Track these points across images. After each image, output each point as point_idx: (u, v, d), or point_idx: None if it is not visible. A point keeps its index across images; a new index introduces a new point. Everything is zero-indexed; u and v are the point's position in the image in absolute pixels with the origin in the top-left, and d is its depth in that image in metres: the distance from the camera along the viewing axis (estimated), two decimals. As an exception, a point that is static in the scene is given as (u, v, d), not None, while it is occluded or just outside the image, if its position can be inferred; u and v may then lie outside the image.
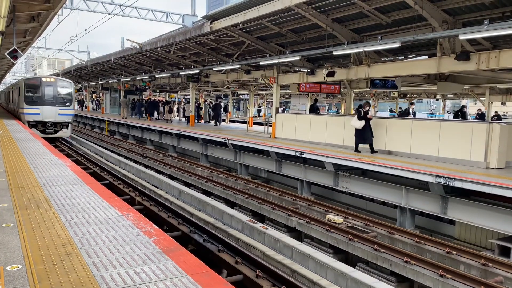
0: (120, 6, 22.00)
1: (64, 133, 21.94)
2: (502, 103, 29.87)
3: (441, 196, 9.66)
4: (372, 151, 13.11)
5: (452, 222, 10.21)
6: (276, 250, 8.20)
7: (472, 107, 47.61)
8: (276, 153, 14.99)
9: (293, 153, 14.00)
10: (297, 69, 18.01)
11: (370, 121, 13.14)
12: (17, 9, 11.55)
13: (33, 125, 20.85)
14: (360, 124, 12.95)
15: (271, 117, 20.12)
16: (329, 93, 23.58)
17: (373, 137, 13.08)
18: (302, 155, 13.64)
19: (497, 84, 19.77)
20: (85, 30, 25.39)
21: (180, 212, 9.92)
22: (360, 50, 13.06)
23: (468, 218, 9.19)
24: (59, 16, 22.72)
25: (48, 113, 21.10)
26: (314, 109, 20.48)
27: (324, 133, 15.89)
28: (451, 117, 34.75)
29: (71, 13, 22.59)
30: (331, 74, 15.45)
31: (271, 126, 19.45)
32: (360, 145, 13.50)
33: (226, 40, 18.79)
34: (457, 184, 9.01)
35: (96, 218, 4.62)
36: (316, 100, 22.60)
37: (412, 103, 31.91)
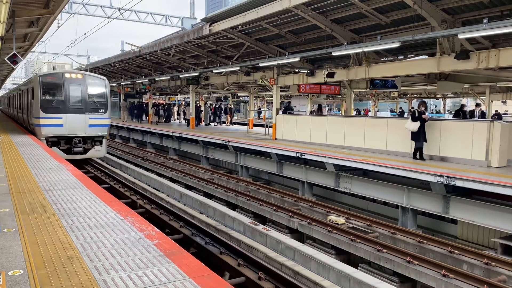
0: (119, 9, 22.04)
1: (97, 152, 15.75)
2: (502, 102, 29.87)
3: (443, 196, 9.64)
4: (417, 156, 11.69)
5: (454, 221, 10.19)
6: (278, 251, 8.18)
7: (472, 106, 47.58)
8: (277, 154, 14.98)
9: (294, 154, 13.99)
10: (297, 70, 18.02)
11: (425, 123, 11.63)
12: (16, 14, 11.57)
13: (54, 142, 14.83)
14: (415, 126, 11.51)
15: (272, 118, 20.11)
16: (329, 94, 23.59)
17: (425, 141, 11.67)
18: (303, 156, 13.62)
19: (497, 83, 19.75)
20: (85, 34, 25.39)
21: (181, 215, 9.91)
22: (360, 50, 13.06)
23: (470, 217, 9.17)
24: (59, 20, 22.72)
25: (75, 124, 15.04)
26: (287, 109, 20.75)
27: (325, 134, 15.88)
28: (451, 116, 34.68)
29: (70, 18, 22.65)
30: (330, 75, 15.45)
31: (271, 127, 19.45)
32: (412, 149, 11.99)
33: (225, 42, 18.81)
34: (459, 184, 8.99)
35: (98, 222, 4.61)
36: (289, 103, 22.78)
37: (478, 104, 26.00)
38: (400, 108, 40.32)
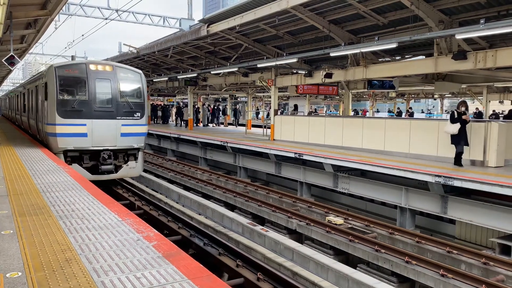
0: (117, 11, 22.02)
1: (131, 169, 12.26)
2: (499, 102, 29.95)
3: (441, 196, 9.65)
4: (457, 162, 10.63)
5: (452, 221, 10.21)
6: (276, 252, 8.18)
7: (469, 106, 47.69)
8: (275, 155, 14.99)
9: (292, 155, 13.99)
10: (295, 71, 18.04)
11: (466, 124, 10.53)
12: (13, 15, 11.53)
13: (74, 157, 11.42)
14: (455, 128, 10.45)
15: (269, 119, 20.13)
16: (327, 95, 23.63)
17: (467, 145, 10.57)
18: (301, 157, 13.63)
19: (494, 83, 19.81)
20: (82, 35, 25.38)
21: (180, 216, 9.90)
22: (357, 51, 13.08)
23: (468, 217, 9.18)
24: (56, 22, 22.70)
25: (103, 134, 11.46)
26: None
27: (323, 135, 15.89)
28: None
29: (68, 19, 22.60)
30: (328, 75, 15.48)
31: (269, 128, 19.45)
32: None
33: (223, 43, 18.81)
34: (457, 184, 9.01)
35: (96, 224, 4.61)
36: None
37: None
38: (398, 108, 40.39)
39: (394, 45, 11.26)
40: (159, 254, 3.75)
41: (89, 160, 11.50)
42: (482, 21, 9.00)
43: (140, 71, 12.56)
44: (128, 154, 12.12)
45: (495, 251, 8.45)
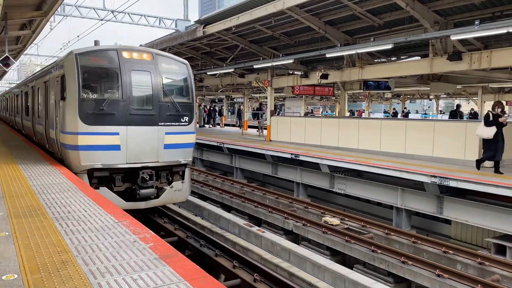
0: (112, 12, 21.95)
1: (177, 193, 9.42)
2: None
3: (437, 196, 9.69)
4: (497, 169, 9.75)
5: (448, 221, 10.25)
6: (273, 253, 8.19)
7: (465, 107, 47.92)
8: (272, 156, 15.00)
9: (289, 156, 14.01)
10: (291, 72, 18.07)
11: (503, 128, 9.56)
12: (8, 16, 11.49)
13: (103, 178, 8.61)
14: (490, 132, 9.43)
15: (266, 120, 20.14)
16: (323, 95, 23.67)
17: (502, 152, 9.67)
18: (297, 158, 13.65)
19: (489, 84, 19.92)
20: (78, 36, 25.28)
21: (176, 218, 9.89)
22: (353, 52, 13.12)
23: (463, 217, 9.23)
24: (51, 23, 22.63)
25: (142, 145, 8.72)
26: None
27: (319, 135, 15.92)
28: (445, 116, 34.92)
29: (63, 20, 22.52)
30: (324, 76, 15.52)
31: (265, 129, 19.47)
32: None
33: (219, 44, 18.81)
34: (452, 184, 9.06)
35: (92, 225, 4.59)
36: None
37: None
38: (394, 109, 40.51)
39: (389, 46, 11.31)
40: (156, 255, 3.74)
41: (122, 181, 8.62)
42: (476, 22, 9.07)
43: (186, 62, 9.79)
44: (173, 172, 9.32)
45: (491, 251, 8.49)
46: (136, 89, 8.63)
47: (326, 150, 14.49)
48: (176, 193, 9.32)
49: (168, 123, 9.00)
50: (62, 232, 4.36)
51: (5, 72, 31.43)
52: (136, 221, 4.86)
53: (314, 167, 13.30)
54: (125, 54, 8.70)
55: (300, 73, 17.26)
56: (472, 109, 28.92)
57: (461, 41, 11.37)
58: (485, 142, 9.73)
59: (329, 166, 12.44)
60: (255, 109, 34.33)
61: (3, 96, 30.50)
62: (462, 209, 9.26)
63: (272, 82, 18.80)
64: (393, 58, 16.93)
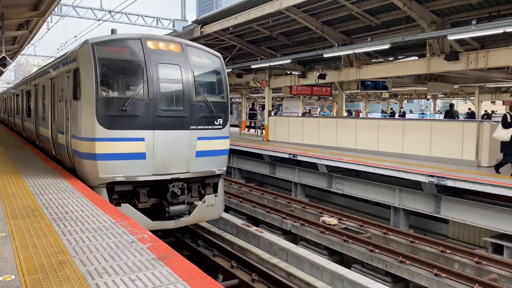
0: (110, 12, 21.91)
1: (210, 208, 8.20)
2: (491, 102, 30.19)
3: (434, 196, 9.71)
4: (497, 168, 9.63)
5: (445, 221, 10.27)
6: (271, 253, 8.19)
7: (462, 106, 48.09)
8: (270, 156, 15.00)
9: (287, 156, 14.01)
10: (289, 72, 18.08)
11: None
12: (5, 16, 11.47)
13: (125, 193, 7.37)
14: (507, 134, 9.19)
15: (263, 120, 20.14)
16: (320, 95, 23.70)
17: None
18: (295, 158, 13.66)
19: (486, 83, 19.99)
20: (75, 36, 25.22)
21: (174, 218, 9.86)
22: (351, 52, 13.14)
23: (461, 216, 9.25)
24: (48, 23, 22.56)
25: (171, 152, 7.51)
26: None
27: (317, 135, 15.93)
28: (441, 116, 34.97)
29: (60, 20, 22.47)
30: (322, 76, 15.54)
31: (263, 129, 19.47)
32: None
33: (217, 44, 18.80)
34: (450, 183, 9.08)
35: (90, 226, 4.58)
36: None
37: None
38: (391, 109, 40.61)
39: (387, 46, 11.33)
40: (154, 256, 3.74)
41: (148, 196, 7.41)
42: (473, 22, 9.10)
43: (219, 54, 8.54)
44: (204, 184, 8.14)
45: (488, 250, 8.51)
46: (164, 85, 7.41)
47: (324, 150, 14.50)
48: (208, 209, 8.06)
49: (201, 127, 7.78)
50: (59, 232, 4.35)
51: (1, 73, 31.32)
52: (134, 222, 4.85)
53: (312, 167, 13.31)
54: (150, 44, 7.41)
55: (297, 73, 17.28)
56: (469, 108, 28.97)
57: (458, 41, 11.40)
58: (505, 145, 9.37)
59: (327, 166, 12.45)
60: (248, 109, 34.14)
61: (1, 96, 27.97)
62: (460, 209, 9.29)
63: (269, 82, 18.81)
64: (391, 58, 16.96)
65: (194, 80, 7.72)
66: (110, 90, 7.08)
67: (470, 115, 25.27)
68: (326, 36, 14.45)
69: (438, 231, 10.60)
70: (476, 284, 6.61)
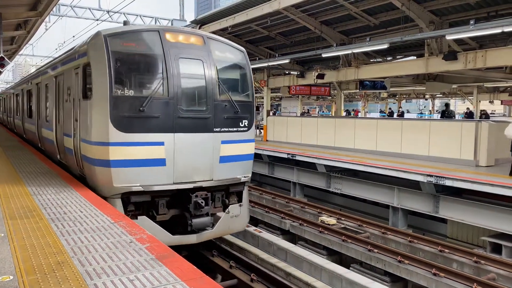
0: (108, 12, 21.90)
1: (234, 220, 7.44)
2: (489, 102, 30.26)
3: (433, 195, 9.73)
4: None
5: (444, 220, 10.29)
6: (270, 253, 8.18)
7: (460, 106, 48.17)
8: (268, 156, 15.00)
9: (285, 156, 14.01)
10: (287, 72, 18.09)
11: None
12: (3, 16, 11.44)
13: (141, 204, 6.58)
14: None
15: (262, 120, 20.14)
16: (319, 95, 23.70)
17: None
18: (294, 157, 13.66)
19: (484, 83, 20.02)
20: (73, 36, 25.20)
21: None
22: (349, 52, 13.15)
23: (459, 216, 9.26)
24: (46, 23, 22.52)
25: (193, 157, 6.78)
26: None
27: (316, 135, 15.93)
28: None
29: (58, 20, 22.44)
30: (320, 76, 15.54)
31: (262, 129, 19.48)
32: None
33: (215, 44, 18.79)
34: (448, 183, 9.09)
35: (88, 226, 4.57)
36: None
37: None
38: (390, 108, 40.66)
39: (385, 46, 11.34)
40: (152, 256, 3.74)
41: (167, 207, 6.69)
42: (472, 22, 9.12)
43: (243, 49, 7.83)
44: (229, 192, 7.41)
45: (486, 250, 8.53)
46: (185, 83, 6.70)
47: (323, 150, 14.51)
48: (233, 220, 7.32)
49: (225, 129, 7.08)
50: (58, 233, 4.34)
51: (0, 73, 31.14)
52: (133, 222, 4.85)
53: (310, 167, 13.31)
54: (169, 37, 6.70)
55: (296, 73, 17.28)
56: (468, 108, 29.02)
57: (457, 40, 11.42)
58: None
59: (326, 166, 12.46)
60: None
61: (0, 96, 26.77)
62: (458, 208, 9.30)
63: (268, 82, 18.81)
64: (389, 58, 16.98)
65: (218, 77, 7.01)
66: (125, 88, 6.34)
67: (469, 115, 25.30)
68: (325, 36, 14.46)
69: (437, 231, 10.61)
70: (475, 284, 6.62)
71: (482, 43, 13.15)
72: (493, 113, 35.07)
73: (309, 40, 16.17)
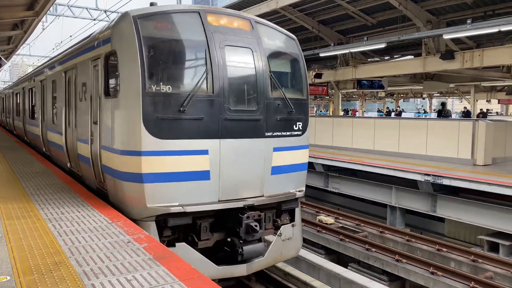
0: (105, 11, 21.86)
1: (287, 244, 6.12)
2: (487, 101, 30.33)
3: (430, 194, 9.74)
4: None
5: (441, 219, 10.31)
6: (268, 252, 8.16)
7: (458, 105, 48.30)
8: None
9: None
10: (285, 72, 18.06)
11: None
12: (0, 16, 11.40)
13: (179, 228, 5.35)
14: None
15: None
16: (317, 95, 23.71)
17: None
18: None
19: (481, 82, 20.07)
20: (70, 36, 25.15)
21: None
22: (347, 51, 13.16)
23: (457, 215, 9.28)
24: (43, 22, 22.49)
25: (242, 168, 5.58)
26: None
27: (313, 135, 15.93)
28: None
29: (55, 20, 22.39)
30: (318, 75, 15.56)
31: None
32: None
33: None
34: (446, 182, 9.11)
35: (86, 226, 4.56)
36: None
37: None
38: (387, 108, 40.74)
39: (383, 45, 11.36)
40: (150, 256, 3.73)
41: (210, 231, 5.52)
42: (469, 21, 9.14)
43: (295, 37, 6.59)
44: (282, 210, 6.18)
45: (484, 249, 8.55)
46: (233, 77, 5.56)
47: (321, 150, 14.51)
48: (285, 244, 6.07)
49: (277, 133, 5.92)
50: (55, 233, 4.33)
51: (-4, 73, 31.04)
52: (130, 222, 4.84)
53: (308, 166, 13.27)
54: (211, 19, 5.53)
55: (294, 72, 17.26)
56: (465, 107, 29.13)
57: (454, 40, 11.45)
58: None
59: (324, 165, 12.46)
60: None
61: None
62: (455, 207, 9.32)
63: (266, 81, 18.79)
64: (386, 57, 17.01)
65: (270, 70, 5.85)
66: (161, 83, 5.10)
67: (466, 114, 25.38)
68: (322, 36, 14.46)
69: (434, 230, 10.63)
70: (472, 282, 6.64)
71: (479, 42, 13.19)
72: (490, 112, 35.15)
73: (306, 40, 16.17)
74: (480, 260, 7.55)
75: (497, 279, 7.10)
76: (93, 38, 6.35)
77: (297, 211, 6.39)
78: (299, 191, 6.27)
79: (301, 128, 6.23)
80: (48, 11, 14.45)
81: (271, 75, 5.82)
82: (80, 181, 7.00)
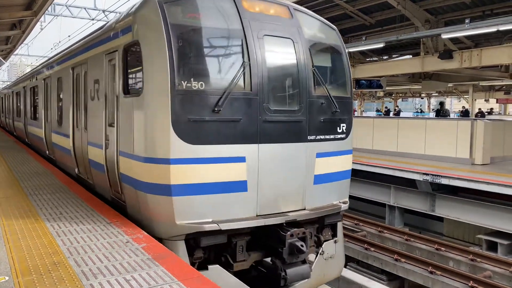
0: (103, 11, 21.83)
1: (329, 263, 5.44)
2: (485, 100, 30.37)
3: (429, 194, 9.75)
4: None
5: (440, 219, 10.32)
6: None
7: (456, 105, 48.36)
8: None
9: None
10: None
11: None
12: (-2, 16, 11.38)
13: (212, 248, 4.63)
14: None
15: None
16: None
17: None
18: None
19: (480, 82, 20.10)
20: (69, 36, 25.12)
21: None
22: (345, 51, 13.15)
23: (455, 214, 9.29)
24: (42, 22, 22.44)
25: (282, 177, 4.83)
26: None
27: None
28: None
29: (53, 20, 22.35)
30: (317, 75, 15.55)
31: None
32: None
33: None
34: (444, 182, 9.11)
35: (84, 226, 4.55)
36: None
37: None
38: (386, 107, 40.79)
39: (381, 45, 11.37)
40: (149, 256, 3.73)
41: (247, 251, 4.84)
42: (467, 20, 9.15)
43: (335, 27, 5.92)
44: (323, 225, 5.53)
45: (482, 248, 8.56)
46: (273, 71, 4.87)
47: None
48: (328, 263, 5.44)
49: (321, 136, 5.22)
50: (54, 233, 4.32)
51: (-5, 73, 30.95)
52: (129, 221, 4.83)
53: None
54: (247, 5, 4.83)
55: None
56: (463, 107, 29.16)
57: (452, 39, 11.47)
58: None
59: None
60: None
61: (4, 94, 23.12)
62: (454, 207, 9.33)
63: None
64: (385, 57, 17.02)
65: (313, 63, 5.14)
66: (191, 79, 4.38)
67: (464, 113, 25.41)
68: (321, 35, 14.47)
69: (433, 229, 10.65)
70: (471, 281, 6.65)
71: (478, 42, 13.21)
72: (494, 112, 35.19)
73: (305, 39, 16.19)
74: (478, 259, 7.57)
75: (496, 278, 7.11)
76: (108, 28, 5.60)
77: (339, 225, 5.76)
78: (343, 202, 5.64)
79: (345, 131, 5.54)
80: (46, 11, 14.42)
81: (314, 69, 5.10)
82: (90, 189, 6.37)
